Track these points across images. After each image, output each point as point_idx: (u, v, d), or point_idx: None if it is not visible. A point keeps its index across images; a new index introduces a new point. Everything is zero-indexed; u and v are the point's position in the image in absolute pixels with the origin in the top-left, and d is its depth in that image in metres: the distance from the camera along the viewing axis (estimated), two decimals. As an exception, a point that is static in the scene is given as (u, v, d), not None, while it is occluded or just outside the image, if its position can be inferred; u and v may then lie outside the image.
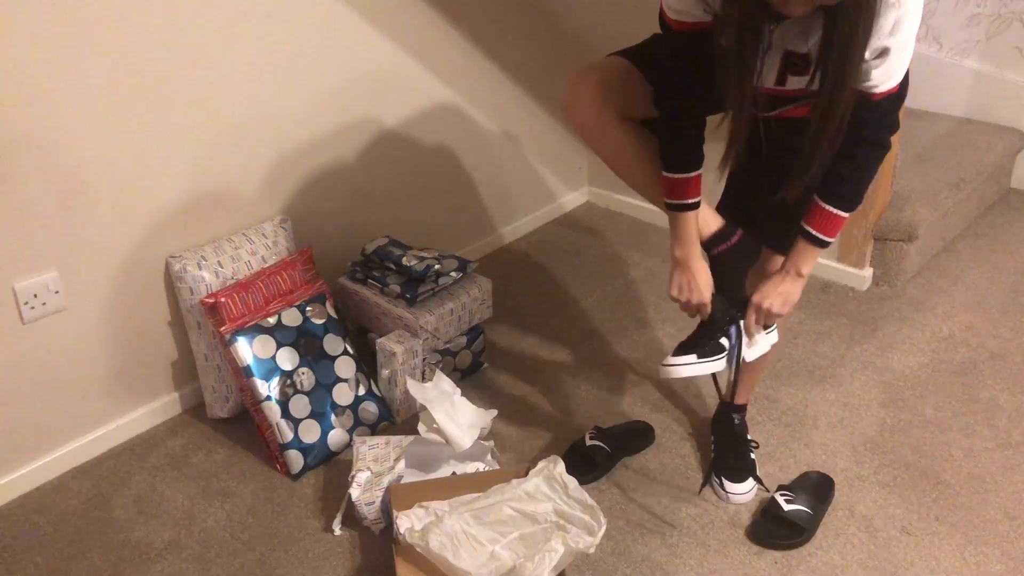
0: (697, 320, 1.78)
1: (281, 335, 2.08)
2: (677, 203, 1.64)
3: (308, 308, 2.15)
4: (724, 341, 1.75)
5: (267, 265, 2.19)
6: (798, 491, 1.90)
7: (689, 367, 1.72)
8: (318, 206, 2.44)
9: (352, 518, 1.91)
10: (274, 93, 2.23)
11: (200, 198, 2.16)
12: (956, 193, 2.90)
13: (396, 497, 1.81)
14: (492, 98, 2.85)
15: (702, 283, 1.69)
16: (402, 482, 1.87)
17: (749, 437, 2.04)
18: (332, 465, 2.09)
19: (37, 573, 1.82)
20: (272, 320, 2.08)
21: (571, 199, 3.36)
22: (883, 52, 1.40)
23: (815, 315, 2.63)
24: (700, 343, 1.73)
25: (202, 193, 2.16)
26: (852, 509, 1.93)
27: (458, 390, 2.03)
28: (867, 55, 1.38)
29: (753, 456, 2.02)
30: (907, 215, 2.70)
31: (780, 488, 1.93)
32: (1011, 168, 3.40)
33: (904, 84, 1.50)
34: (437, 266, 2.29)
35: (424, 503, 1.80)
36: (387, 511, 1.85)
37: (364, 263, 2.42)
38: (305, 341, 2.11)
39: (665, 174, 1.62)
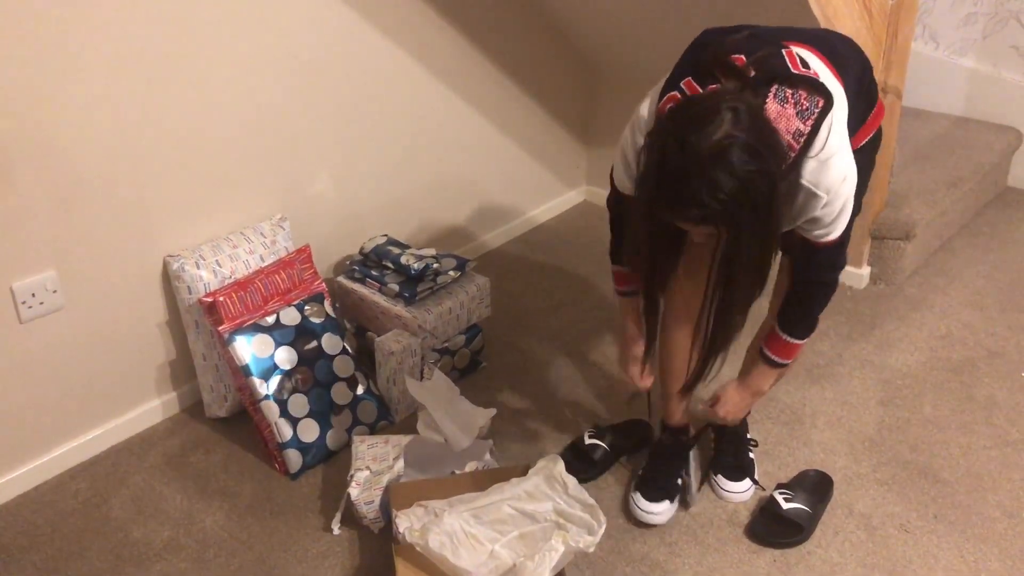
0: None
1: (279, 334, 2.07)
2: (617, 290, 1.85)
3: (306, 307, 2.15)
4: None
5: (265, 264, 2.19)
6: (797, 489, 1.91)
7: (670, 512, 1.91)
8: (316, 205, 2.44)
9: (351, 517, 1.91)
10: (272, 92, 2.22)
11: (198, 197, 2.15)
12: (953, 192, 2.91)
13: (395, 496, 1.81)
14: (490, 97, 2.85)
15: (634, 347, 1.85)
16: (401, 481, 1.87)
17: (749, 436, 2.04)
18: (331, 464, 2.09)
19: (35, 573, 1.82)
20: (270, 319, 2.08)
21: (569, 198, 3.36)
22: (814, 221, 1.49)
23: (813, 313, 2.63)
24: (670, 484, 1.92)
25: (200, 192, 2.15)
26: (851, 507, 1.94)
27: (457, 389, 2.03)
28: (798, 224, 1.50)
29: (752, 456, 2.02)
30: (905, 214, 2.70)
31: (779, 486, 1.93)
32: (1008, 167, 3.40)
33: (848, 228, 1.56)
34: (435, 265, 2.29)
35: (423, 502, 1.80)
36: (386, 510, 1.85)
37: (362, 262, 2.42)
38: (303, 340, 2.11)
39: (612, 265, 1.82)
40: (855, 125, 1.63)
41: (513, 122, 2.98)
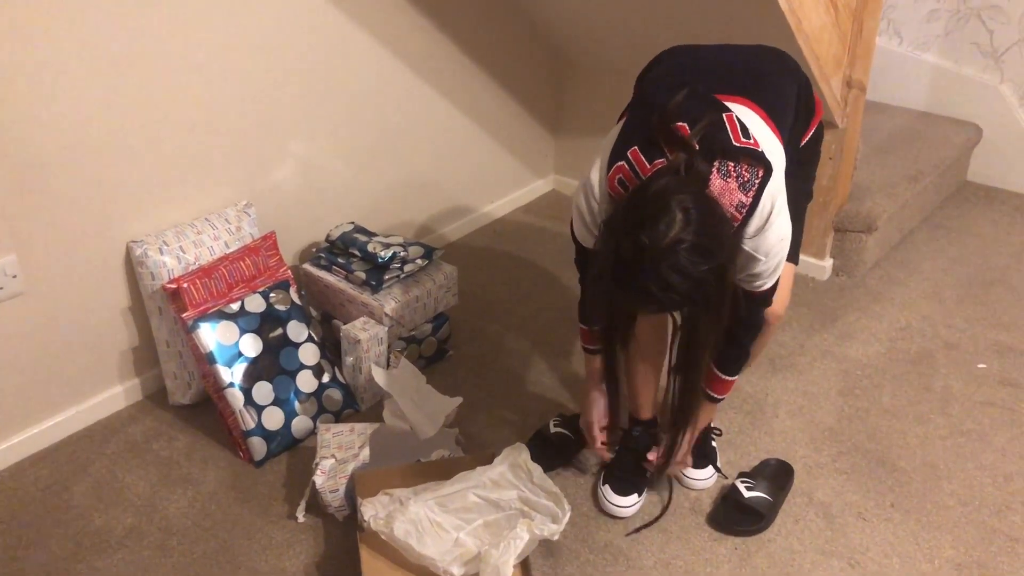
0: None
1: (244, 321, 2.06)
2: (584, 347, 1.89)
3: (272, 294, 2.14)
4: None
5: (230, 251, 2.17)
6: (758, 478, 1.93)
7: (637, 505, 1.94)
8: (282, 191, 2.42)
9: (316, 505, 1.90)
10: (238, 77, 2.20)
11: (162, 182, 2.13)
12: (914, 185, 2.96)
13: (360, 484, 1.81)
14: (458, 86, 2.85)
15: (593, 411, 1.92)
16: (366, 469, 1.87)
17: (712, 425, 2.07)
18: (296, 452, 2.08)
19: (-6, 561, 1.80)
20: (235, 306, 2.06)
21: (537, 187, 3.37)
22: (753, 275, 1.57)
23: (776, 304, 2.66)
24: (639, 478, 1.95)
25: (164, 177, 2.13)
26: (811, 496, 1.97)
27: (423, 377, 2.03)
28: (737, 278, 1.56)
29: (715, 444, 2.05)
30: (867, 207, 2.74)
31: (740, 475, 1.96)
32: (967, 162, 3.46)
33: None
34: (402, 253, 2.28)
35: (388, 490, 1.80)
36: (351, 498, 1.85)
37: (329, 249, 2.41)
38: (268, 327, 2.09)
39: (580, 324, 1.85)
40: (801, 132, 1.74)
41: (481, 111, 2.98)
